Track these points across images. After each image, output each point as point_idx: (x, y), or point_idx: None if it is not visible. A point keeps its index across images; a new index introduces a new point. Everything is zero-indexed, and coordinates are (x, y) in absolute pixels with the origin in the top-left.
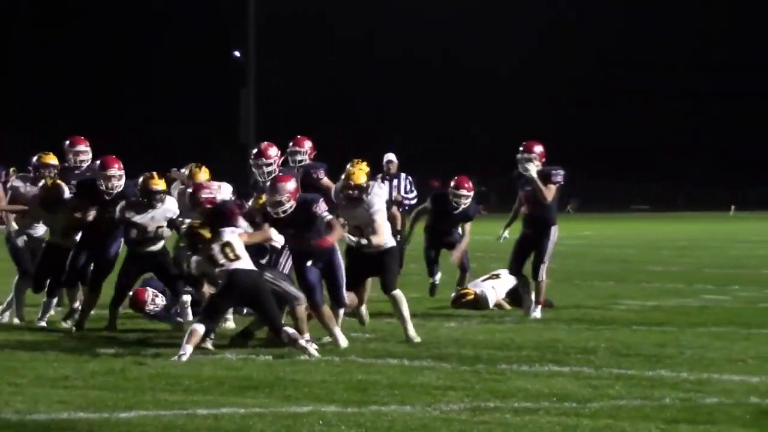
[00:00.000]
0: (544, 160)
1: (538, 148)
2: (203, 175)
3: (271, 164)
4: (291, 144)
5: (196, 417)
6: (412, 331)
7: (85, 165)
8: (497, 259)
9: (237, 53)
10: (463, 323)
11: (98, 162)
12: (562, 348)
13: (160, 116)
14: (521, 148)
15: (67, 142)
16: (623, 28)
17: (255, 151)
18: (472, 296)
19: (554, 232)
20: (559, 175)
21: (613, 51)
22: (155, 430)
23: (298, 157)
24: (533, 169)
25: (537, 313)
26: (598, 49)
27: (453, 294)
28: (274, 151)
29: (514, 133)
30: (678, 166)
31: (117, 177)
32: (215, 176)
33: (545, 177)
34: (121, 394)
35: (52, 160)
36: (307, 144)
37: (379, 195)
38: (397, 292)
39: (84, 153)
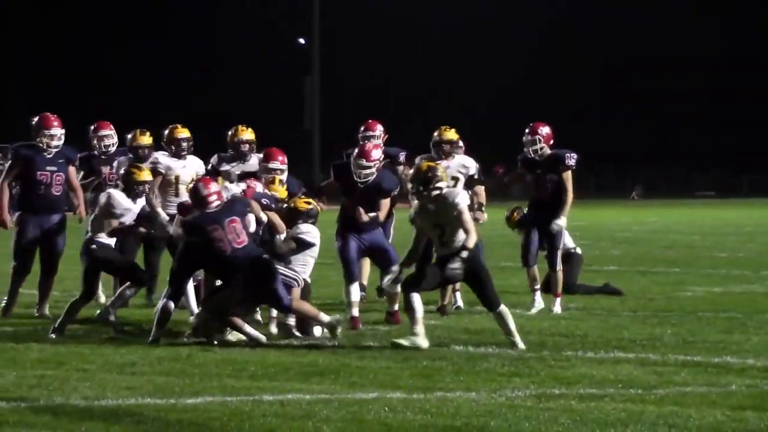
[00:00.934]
0: (551, 142)
1: (545, 130)
2: (147, 139)
3: (371, 167)
4: (363, 128)
5: (262, 403)
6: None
7: (111, 150)
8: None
9: (302, 40)
10: (528, 311)
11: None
12: (628, 335)
13: (224, 103)
14: (527, 130)
15: (92, 128)
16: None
17: (356, 151)
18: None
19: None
20: (573, 158)
21: (679, 33)
22: (221, 415)
23: (372, 141)
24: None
25: (557, 307)
26: (662, 33)
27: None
28: (377, 154)
29: (582, 114)
30: (742, 152)
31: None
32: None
33: (558, 162)
34: (187, 380)
35: (146, 140)
36: (379, 128)
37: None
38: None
39: (109, 137)
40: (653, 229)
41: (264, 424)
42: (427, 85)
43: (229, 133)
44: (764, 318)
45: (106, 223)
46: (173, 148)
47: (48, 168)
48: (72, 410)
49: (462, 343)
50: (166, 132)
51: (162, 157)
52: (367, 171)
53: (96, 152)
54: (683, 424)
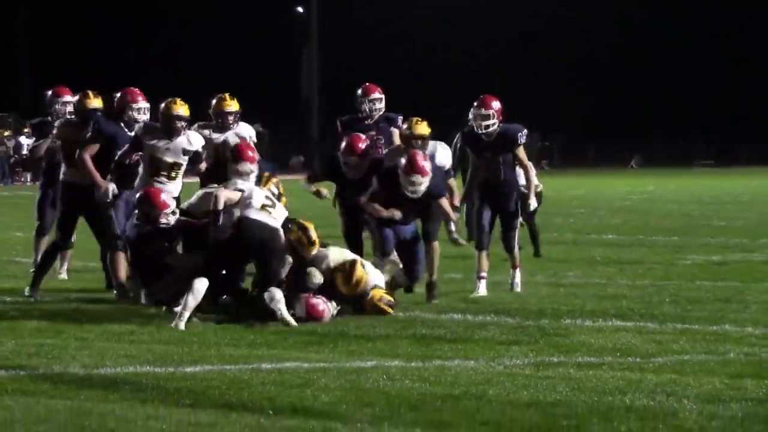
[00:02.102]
0: (501, 118)
1: (496, 104)
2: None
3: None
4: (360, 93)
5: (260, 371)
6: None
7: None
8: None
9: (300, 9)
10: (528, 278)
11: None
12: (626, 303)
13: (224, 71)
14: (476, 104)
15: (51, 92)
16: None
17: (405, 164)
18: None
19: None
20: (524, 136)
21: (677, 1)
22: (220, 384)
23: (377, 105)
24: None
25: (518, 280)
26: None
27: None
28: (428, 166)
29: (574, 89)
30: (741, 122)
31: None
32: (280, 132)
33: (512, 142)
34: (186, 349)
35: (232, 106)
36: (379, 92)
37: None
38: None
39: (70, 104)
40: (652, 198)
41: (262, 393)
42: (427, 53)
43: (213, 102)
44: (762, 286)
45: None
46: (219, 121)
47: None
48: (71, 378)
49: (460, 312)
50: (213, 103)
51: (204, 132)
52: (420, 187)
53: (51, 118)
54: (681, 392)
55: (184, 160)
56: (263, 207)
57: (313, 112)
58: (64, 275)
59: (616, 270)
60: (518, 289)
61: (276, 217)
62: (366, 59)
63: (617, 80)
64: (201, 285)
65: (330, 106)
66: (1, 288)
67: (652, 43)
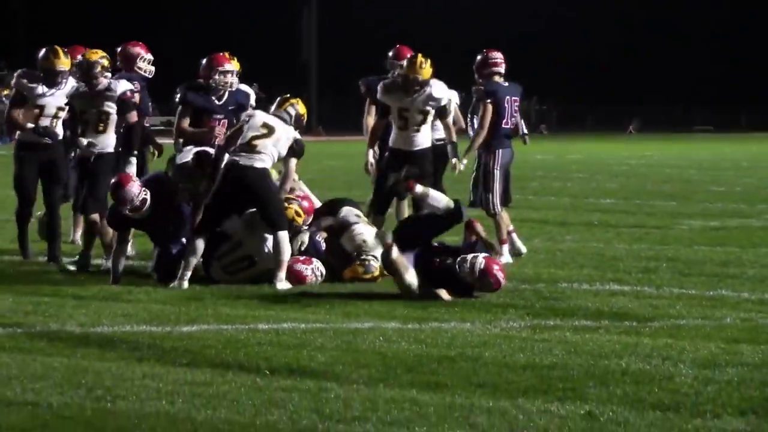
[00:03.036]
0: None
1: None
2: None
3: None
4: (391, 54)
5: (257, 331)
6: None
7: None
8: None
9: None
10: (525, 242)
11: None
12: (623, 267)
13: (219, 32)
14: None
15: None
16: None
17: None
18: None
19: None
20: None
21: None
22: (217, 344)
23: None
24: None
25: (506, 255)
26: None
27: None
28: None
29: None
30: (740, 87)
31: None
32: (277, 95)
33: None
34: (183, 309)
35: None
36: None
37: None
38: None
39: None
40: (650, 163)
41: (259, 353)
42: (429, 16)
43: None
44: (760, 252)
45: None
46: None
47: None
48: (68, 337)
49: None
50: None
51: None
52: None
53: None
54: (677, 356)
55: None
56: (252, 140)
57: (312, 75)
58: (77, 240)
59: (613, 234)
60: (509, 259)
61: (265, 152)
62: (365, 58)
63: (616, 46)
64: (200, 243)
65: (328, 69)
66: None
67: (649, 8)
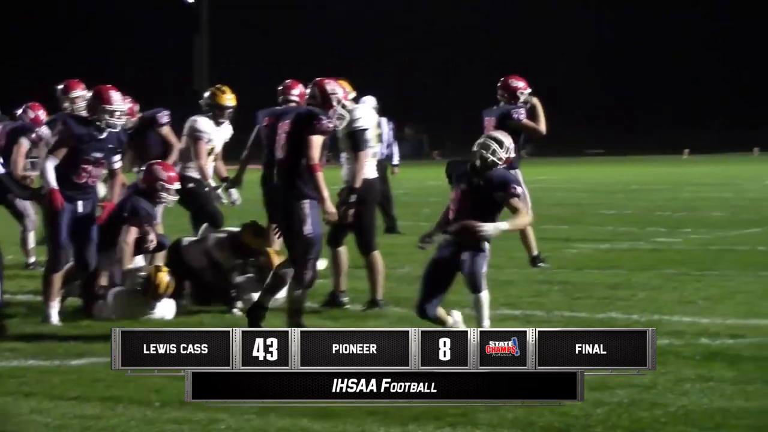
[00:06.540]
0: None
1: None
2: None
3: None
4: (281, 89)
5: None
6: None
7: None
8: None
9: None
10: (417, 269)
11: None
12: (515, 291)
13: (112, 62)
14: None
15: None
16: None
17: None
18: None
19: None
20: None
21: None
22: (107, 376)
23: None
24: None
25: None
26: None
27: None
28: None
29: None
30: (635, 111)
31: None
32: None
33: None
34: (71, 342)
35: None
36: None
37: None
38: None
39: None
40: (542, 188)
41: (149, 385)
42: (325, 37)
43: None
44: (649, 274)
45: None
46: (216, 113)
47: None
48: None
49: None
50: (207, 95)
51: (202, 122)
52: None
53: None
54: None
55: None
56: None
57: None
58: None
59: (505, 259)
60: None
61: None
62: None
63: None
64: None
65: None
66: None
67: (548, 34)
